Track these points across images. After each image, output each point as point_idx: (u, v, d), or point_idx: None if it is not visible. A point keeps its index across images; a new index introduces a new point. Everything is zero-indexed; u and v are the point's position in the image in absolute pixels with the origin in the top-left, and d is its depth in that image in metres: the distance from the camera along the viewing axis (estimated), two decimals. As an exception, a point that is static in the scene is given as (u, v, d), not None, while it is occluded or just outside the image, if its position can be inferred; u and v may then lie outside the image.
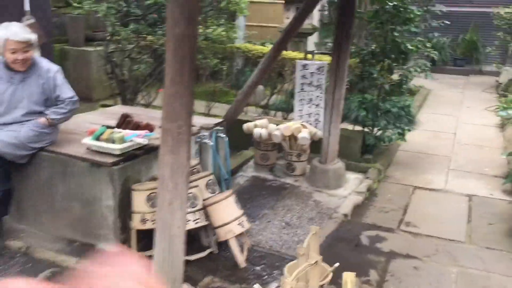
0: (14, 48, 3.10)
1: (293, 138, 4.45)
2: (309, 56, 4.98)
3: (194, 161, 3.61)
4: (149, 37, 5.57)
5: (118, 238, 3.21)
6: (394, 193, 4.41)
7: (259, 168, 4.73)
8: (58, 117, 3.29)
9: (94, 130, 3.24)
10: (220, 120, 4.25)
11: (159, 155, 2.21)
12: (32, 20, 3.80)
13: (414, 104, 7.55)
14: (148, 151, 3.34)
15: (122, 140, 3.14)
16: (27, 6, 3.84)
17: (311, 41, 9.43)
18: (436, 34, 8.06)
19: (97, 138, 3.17)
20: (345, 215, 3.85)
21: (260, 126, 4.59)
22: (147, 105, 6.61)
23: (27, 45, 3.15)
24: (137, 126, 3.36)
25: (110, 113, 4.36)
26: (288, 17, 8.16)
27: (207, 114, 6.30)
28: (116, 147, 3.11)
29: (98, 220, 3.21)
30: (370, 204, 4.17)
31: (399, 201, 4.23)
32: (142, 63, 5.36)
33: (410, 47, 4.68)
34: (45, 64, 3.33)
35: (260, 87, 6.70)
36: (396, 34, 4.63)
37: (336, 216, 3.81)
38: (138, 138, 3.18)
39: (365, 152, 4.96)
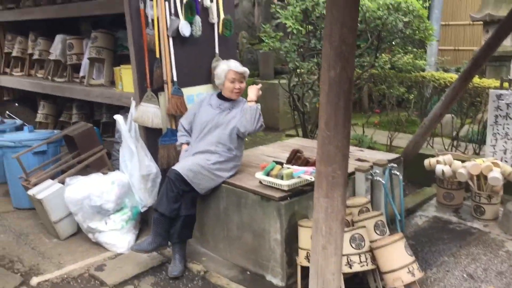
0: (233, 77, 3.61)
1: (482, 177, 3.95)
2: (506, 84, 4.40)
3: (364, 199, 3.48)
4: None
5: (285, 272, 3.27)
6: None
7: (441, 208, 4.32)
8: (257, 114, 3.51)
9: (265, 165, 3.39)
10: (395, 156, 4.03)
11: (314, 198, 2.19)
12: (220, 60, 4.20)
13: None
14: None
15: (290, 176, 3.21)
16: (217, 50, 4.26)
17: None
18: None
19: (268, 173, 3.30)
20: (546, 274, 3.23)
21: (443, 163, 4.21)
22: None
23: (243, 77, 3.66)
24: (306, 162, 3.40)
25: (287, 145, 4.51)
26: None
27: (389, 145, 6.06)
28: (284, 183, 3.19)
29: (267, 252, 3.32)
30: None
31: None
32: (316, 97, 5.44)
33: None
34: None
35: (449, 117, 6.18)
36: None
37: (533, 274, 3.23)
38: (305, 174, 3.21)
39: None
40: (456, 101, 4.41)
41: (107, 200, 3.85)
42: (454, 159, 4.22)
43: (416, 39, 5.12)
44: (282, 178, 3.21)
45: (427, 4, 7.86)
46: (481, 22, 7.17)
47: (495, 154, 4.31)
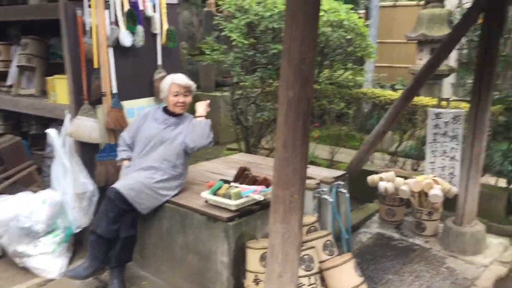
0: (177, 91, 3.45)
1: (423, 194, 4.03)
2: (444, 103, 4.55)
3: (312, 218, 3.43)
4: (275, 83, 5.61)
5: (232, 296, 3.13)
6: (549, 265, 3.72)
7: (384, 224, 4.37)
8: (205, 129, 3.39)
9: (212, 184, 3.25)
10: (341, 172, 4.03)
11: (269, 223, 2.08)
12: (163, 73, 4.02)
13: None
14: (264, 207, 3.24)
15: (238, 195, 3.09)
16: (159, 61, 4.08)
17: (447, 82, 8.78)
18: None
19: (215, 193, 3.16)
20: (486, 289, 3.32)
21: (386, 180, 4.26)
22: (271, 150, 6.65)
23: (187, 90, 3.50)
24: (254, 181, 3.29)
25: (232, 161, 4.40)
26: (421, 58, 7.70)
27: (331, 160, 6.11)
28: (232, 203, 3.06)
29: (213, 275, 3.16)
30: (517, 277, 3.57)
31: (555, 276, 3.55)
32: (265, 110, 5.39)
33: None
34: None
35: (389, 132, 6.32)
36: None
37: (474, 290, 3.31)
38: (254, 194, 3.11)
39: None
40: (398, 119, 4.50)
41: (37, 221, 3.54)
42: (396, 175, 4.28)
43: (357, 56, 5.20)
44: (230, 197, 3.08)
45: (368, 23, 8.09)
46: (415, 41, 7.46)
47: (434, 171, 4.43)
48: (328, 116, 6.78)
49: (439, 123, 4.38)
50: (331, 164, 6.10)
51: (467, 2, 7.24)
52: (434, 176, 4.18)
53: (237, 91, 5.42)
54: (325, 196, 3.51)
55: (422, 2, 8.32)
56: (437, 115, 4.38)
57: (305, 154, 1.99)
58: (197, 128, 3.36)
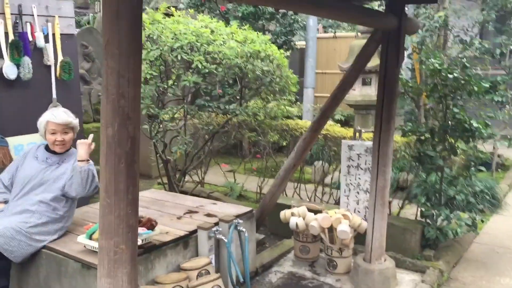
0: (53, 129, 3.19)
1: (334, 229, 3.87)
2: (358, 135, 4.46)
3: (204, 261, 3.20)
4: (197, 117, 5.44)
5: None
6: (460, 302, 3.59)
7: (298, 262, 4.17)
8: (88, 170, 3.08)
9: (90, 226, 2.99)
10: (247, 209, 3.83)
11: (97, 277, 1.84)
12: (58, 106, 3.79)
13: (500, 183, 6.57)
14: (148, 250, 3.00)
15: (114, 239, 2.83)
16: (54, 94, 3.85)
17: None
18: None
19: (90, 237, 2.90)
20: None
21: (297, 215, 4.09)
22: (201, 182, 6.42)
23: (66, 127, 3.23)
24: (137, 222, 3.04)
25: (139, 199, 4.14)
26: (354, 89, 7.72)
27: (259, 193, 5.92)
28: (107, 248, 2.80)
29: (89, 328, 2.87)
30: (425, 316, 3.40)
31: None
32: (185, 144, 5.19)
33: (475, 124, 3.98)
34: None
35: (319, 163, 6.21)
36: (456, 110, 3.98)
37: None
38: (132, 237, 2.86)
39: (427, 246, 4.19)
40: (308, 151, 4.37)
41: None
42: (309, 210, 4.12)
43: (277, 87, 5.09)
44: (104, 242, 2.82)
45: (288, 54, 8.14)
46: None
47: (349, 205, 4.29)
48: (263, 147, 6.66)
49: (352, 156, 4.27)
50: (259, 197, 5.92)
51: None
52: (346, 211, 4.04)
53: (156, 124, 5.19)
54: (220, 237, 3.29)
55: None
56: (350, 147, 4.28)
57: (133, 200, 1.79)
58: (77, 176, 3.06)
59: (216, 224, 3.45)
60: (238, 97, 5.36)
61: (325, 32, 11.70)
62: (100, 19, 8.22)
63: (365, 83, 7.27)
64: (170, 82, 4.76)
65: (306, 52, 8.48)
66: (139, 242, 2.87)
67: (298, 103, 7.70)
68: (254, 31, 5.34)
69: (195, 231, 3.36)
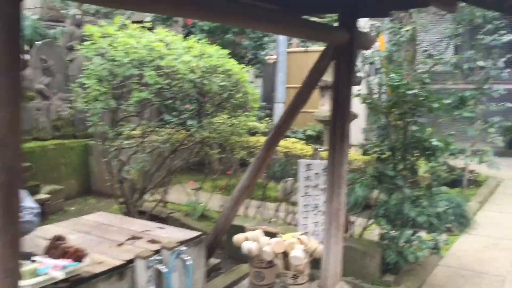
0: None
1: (288, 255, 3.65)
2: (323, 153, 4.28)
3: (139, 294, 2.95)
4: (154, 134, 5.22)
5: None
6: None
7: (253, 289, 3.93)
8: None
9: None
10: (196, 234, 3.61)
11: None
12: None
13: (471, 200, 6.44)
14: (74, 284, 2.74)
15: (34, 274, 2.58)
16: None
17: (358, 128, 8.67)
18: (496, 119, 6.86)
19: None
20: None
21: (251, 239, 3.85)
22: (163, 201, 6.17)
23: None
24: (64, 253, 2.80)
25: (83, 224, 3.89)
26: (323, 104, 7.58)
27: (219, 212, 5.68)
28: (26, 283, 2.54)
29: None
30: None
31: None
32: (140, 162, 4.95)
33: (435, 142, 3.81)
34: None
35: (290, 181, 6.02)
36: (414, 127, 3.81)
37: None
38: (54, 270, 2.61)
39: (388, 270, 3.99)
40: (263, 170, 4.17)
41: None
42: (265, 233, 3.89)
43: (235, 103, 4.90)
44: (23, 277, 2.56)
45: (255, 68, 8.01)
46: (318, 87, 7.34)
47: (307, 227, 4.09)
48: (230, 165, 6.46)
49: (310, 175, 4.08)
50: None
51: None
52: (302, 234, 3.82)
53: (114, 142, 4.94)
54: (158, 266, 3.05)
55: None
56: (308, 167, 4.09)
57: (13, 239, 1.55)
58: None
59: (158, 251, 3.22)
60: (196, 114, 5.15)
61: (302, 46, 11.60)
62: (69, 32, 7.95)
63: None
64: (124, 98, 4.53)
65: (277, 66, 8.34)
66: (62, 276, 2.63)
67: (267, 118, 7.50)
68: (218, 46, 5.17)
69: (133, 260, 3.11)
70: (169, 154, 5.37)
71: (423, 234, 4.17)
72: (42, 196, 5.95)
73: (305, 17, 3.22)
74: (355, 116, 7.08)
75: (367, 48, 3.81)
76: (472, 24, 6.61)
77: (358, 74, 7.24)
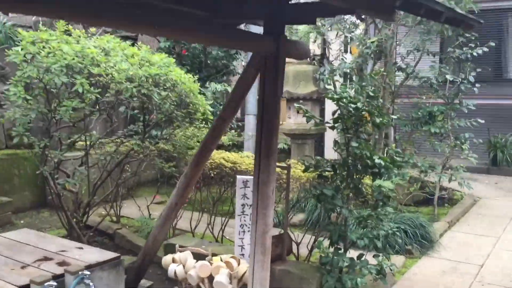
0: None
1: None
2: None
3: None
4: (97, 147, 4.96)
5: None
6: None
7: (181, 315, 3.64)
8: None
9: None
10: (113, 255, 3.31)
11: None
12: None
13: (440, 220, 6.15)
14: None
15: None
16: None
17: (330, 140, 8.41)
18: (468, 135, 6.55)
19: None
20: None
21: (179, 261, 3.58)
22: (116, 216, 5.89)
23: None
24: None
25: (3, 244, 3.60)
26: (290, 117, 7.33)
27: (175, 228, 5.36)
28: None
29: None
30: None
31: None
32: (80, 174, 4.68)
33: (377, 160, 3.53)
34: None
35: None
36: (354, 144, 3.54)
37: None
38: None
39: (328, 298, 3.69)
40: (192, 188, 3.90)
41: None
42: (194, 255, 3.61)
43: (179, 114, 4.64)
44: None
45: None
46: (284, 99, 7.10)
47: (243, 248, 3.81)
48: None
49: (247, 193, 3.80)
50: (174, 234, 5.38)
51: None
52: (233, 257, 3.54)
53: (51, 154, 4.66)
54: (54, 293, 2.76)
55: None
56: (245, 184, 3.81)
57: None
58: None
59: (61, 276, 2.93)
60: (146, 125, 4.90)
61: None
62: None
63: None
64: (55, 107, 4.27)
65: (247, 77, 8.09)
66: None
67: (233, 131, 7.23)
68: (165, 53, 4.93)
69: (28, 286, 2.82)
70: (114, 167, 5.10)
71: (370, 258, 3.87)
72: (-14, 208, 5.67)
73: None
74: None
75: (300, 58, 3.55)
76: (441, 37, 6.38)
77: (328, 86, 7.02)
